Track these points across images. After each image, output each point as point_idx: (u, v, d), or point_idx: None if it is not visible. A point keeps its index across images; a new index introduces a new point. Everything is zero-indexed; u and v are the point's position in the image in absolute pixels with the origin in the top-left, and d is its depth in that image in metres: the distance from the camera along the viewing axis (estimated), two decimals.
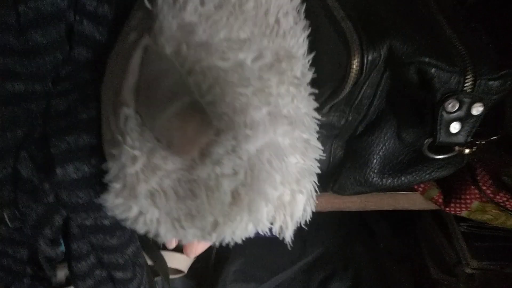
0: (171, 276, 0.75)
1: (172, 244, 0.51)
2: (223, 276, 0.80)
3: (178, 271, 0.79)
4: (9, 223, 0.42)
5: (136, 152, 0.34)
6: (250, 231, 0.39)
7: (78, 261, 0.44)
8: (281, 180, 0.37)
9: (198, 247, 0.50)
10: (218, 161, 0.34)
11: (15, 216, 0.41)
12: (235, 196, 0.36)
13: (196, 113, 0.32)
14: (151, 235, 0.39)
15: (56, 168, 0.38)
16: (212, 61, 0.35)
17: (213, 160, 0.34)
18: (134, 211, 0.37)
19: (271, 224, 0.40)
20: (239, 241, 0.40)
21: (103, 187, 0.40)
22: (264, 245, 0.85)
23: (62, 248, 0.47)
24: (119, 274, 0.45)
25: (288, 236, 0.41)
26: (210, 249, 0.60)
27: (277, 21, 0.40)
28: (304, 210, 0.41)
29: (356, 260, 0.90)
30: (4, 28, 0.40)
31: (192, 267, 0.83)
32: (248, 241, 0.72)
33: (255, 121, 0.35)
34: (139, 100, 0.35)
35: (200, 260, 0.87)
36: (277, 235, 0.41)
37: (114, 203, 0.38)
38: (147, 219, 0.37)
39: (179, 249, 0.74)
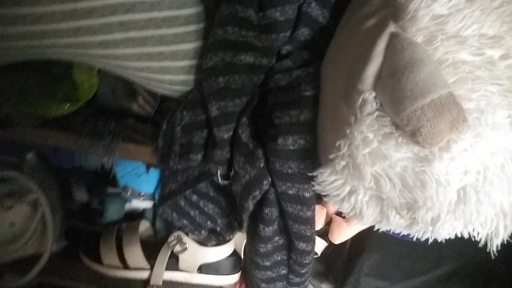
0: None
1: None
2: (357, 268, 0.79)
3: None
4: (219, 179, 0.47)
5: (370, 136, 0.35)
6: (458, 232, 0.38)
7: (266, 225, 0.48)
8: (509, 187, 0.36)
9: (345, 234, 0.51)
10: (454, 157, 0.34)
11: (227, 175, 0.46)
12: (461, 195, 0.35)
13: (453, 107, 0.32)
14: (353, 214, 0.41)
15: (278, 138, 0.41)
16: (463, 54, 0.34)
17: (451, 155, 0.34)
18: (346, 189, 0.39)
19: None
20: (441, 238, 0.39)
21: (313, 161, 0.42)
22: (400, 245, 0.83)
23: None
24: (302, 245, 0.48)
25: (495, 245, 0.39)
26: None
27: None
28: None
29: (497, 280, 0.84)
30: (247, 3, 0.43)
31: (323, 252, 0.84)
32: (384, 238, 0.71)
33: (499, 122, 0.34)
34: (379, 85, 0.36)
35: (331, 247, 0.88)
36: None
37: (329, 179, 0.39)
38: (358, 200, 0.39)
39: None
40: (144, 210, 0.87)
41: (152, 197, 0.85)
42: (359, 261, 0.81)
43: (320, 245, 0.85)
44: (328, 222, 0.58)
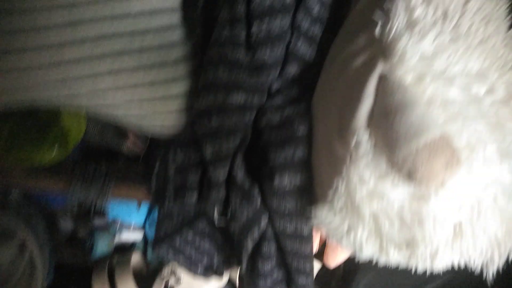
0: None
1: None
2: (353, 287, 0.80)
3: None
4: (216, 219, 0.46)
5: (366, 175, 0.36)
6: (455, 263, 0.39)
7: (265, 261, 0.48)
8: (501, 218, 0.37)
9: (340, 258, 0.52)
10: (449, 194, 0.35)
11: (224, 214, 0.46)
12: (458, 230, 0.36)
13: (446, 147, 0.33)
14: (352, 250, 0.41)
15: (274, 177, 0.42)
16: (451, 93, 0.35)
17: (446, 192, 0.35)
18: (345, 227, 0.39)
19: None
20: (438, 270, 0.40)
21: (311, 199, 0.42)
22: None
23: None
24: (301, 280, 0.48)
25: (491, 272, 0.40)
26: None
27: (503, 53, 0.39)
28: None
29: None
30: (236, 45, 0.44)
31: (318, 273, 0.84)
32: None
33: (489, 157, 0.35)
34: (372, 125, 0.37)
35: (325, 267, 0.89)
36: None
37: (327, 217, 0.40)
38: (357, 236, 0.39)
39: None
40: (134, 242, 0.85)
41: (142, 228, 0.84)
42: (355, 280, 0.82)
43: (315, 265, 0.85)
44: (323, 243, 0.59)
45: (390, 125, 0.35)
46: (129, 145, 0.53)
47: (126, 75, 0.43)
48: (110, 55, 0.42)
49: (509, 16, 0.42)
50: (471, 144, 0.35)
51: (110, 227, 0.82)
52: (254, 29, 0.43)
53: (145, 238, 0.84)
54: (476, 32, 0.38)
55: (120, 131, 0.53)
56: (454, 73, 0.36)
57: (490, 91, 0.37)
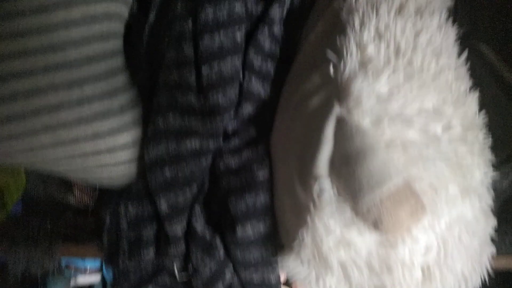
0: None
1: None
2: None
3: None
4: (177, 275, 0.43)
5: (331, 223, 0.35)
6: None
7: None
8: (467, 255, 0.37)
9: None
10: (415, 238, 0.34)
11: (185, 269, 0.43)
12: (426, 272, 0.35)
13: (410, 194, 0.32)
14: None
15: (236, 227, 0.39)
16: (410, 134, 0.35)
17: (412, 236, 0.34)
18: (313, 275, 0.38)
19: None
20: None
21: (275, 246, 0.41)
22: None
23: None
24: None
25: None
26: None
27: (456, 87, 0.39)
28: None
29: None
30: (185, 89, 0.41)
31: None
32: None
33: (451, 195, 0.35)
34: (334, 172, 0.35)
35: None
36: None
37: (294, 265, 0.38)
38: (326, 283, 0.38)
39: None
40: (92, 286, 0.80)
41: (99, 270, 0.79)
42: None
43: None
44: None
45: (351, 173, 0.33)
46: (77, 197, 0.48)
47: (66, 130, 0.39)
48: (45, 110, 0.38)
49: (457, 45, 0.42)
50: (433, 185, 0.34)
51: (64, 272, 0.76)
52: (204, 72, 0.40)
53: (103, 280, 0.79)
54: (428, 67, 0.38)
55: (65, 182, 0.48)
56: (411, 113, 0.36)
57: (447, 128, 0.36)
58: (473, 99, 0.40)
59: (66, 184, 0.48)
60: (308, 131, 0.38)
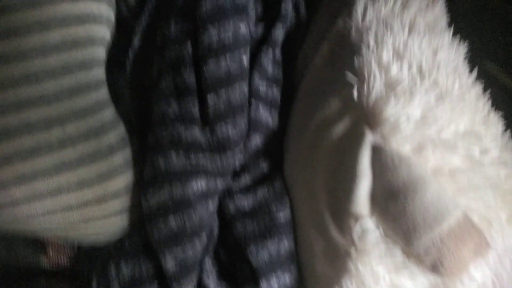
0: None
1: None
2: None
3: None
4: None
5: (379, 269, 0.30)
6: None
7: None
8: None
9: None
10: (473, 276, 0.30)
11: None
12: None
13: (472, 229, 0.28)
14: None
15: (260, 282, 0.34)
16: (455, 160, 0.31)
17: (470, 275, 0.30)
18: None
19: None
20: None
21: None
22: None
23: None
24: None
25: None
26: None
27: (480, 106, 0.37)
28: None
29: None
30: (188, 122, 0.35)
31: None
32: None
33: (500, 225, 0.32)
34: (377, 209, 0.31)
35: None
36: None
37: None
38: None
39: None
40: None
41: None
42: None
43: None
44: None
45: (401, 210, 0.29)
46: (51, 258, 0.40)
47: (44, 180, 0.31)
48: (18, 156, 0.30)
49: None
50: (486, 216, 0.31)
51: None
52: (211, 101, 0.35)
53: None
54: (453, 87, 0.36)
55: (35, 243, 0.40)
56: (449, 137, 0.32)
57: (484, 151, 0.33)
58: (497, 118, 0.38)
59: (37, 244, 0.40)
60: (338, 163, 0.34)
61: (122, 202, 0.35)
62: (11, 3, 0.29)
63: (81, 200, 0.33)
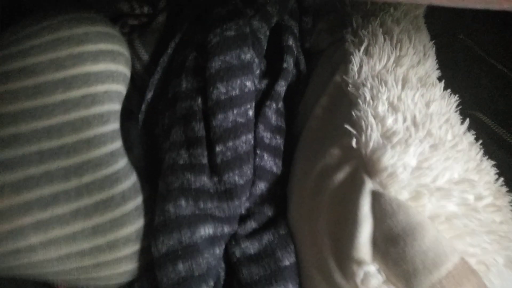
0: None
1: None
2: None
3: None
4: None
5: None
6: None
7: None
8: None
9: None
10: None
11: None
12: None
13: (470, 273, 0.29)
14: None
15: None
16: (451, 207, 0.33)
17: None
18: None
19: None
20: None
21: None
22: None
23: None
24: None
25: None
26: None
27: (473, 155, 0.39)
28: None
29: None
30: (198, 170, 0.37)
31: None
32: None
33: (497, 269, 0.33)
34: (378, 254, 0.32)
35: None
36: None
37: None
38: None
39: None
40: None
41: None
42: None
43: None
44: None
45: (401, 254, 0.31)
46: None
47: (61, 227, 0.33)
48: (37, 204, 0.32)
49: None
50: (483, 260, 0.32)
51: None
52: (219, 151, 0.37)
53: None
54: (446, 137, 0.38)
55: (45, 285, 0.41)
56: (444, 184, 0.34)
57: (479, 198, 0.35)
58: (489, 165, 0.40)
59: (46, 285, 0.41)
60: (339, 209, 0.35)
61: (132, 248, 0.37)
62: (39, 65, 0.33)
63: (94, 246, 0.35)
